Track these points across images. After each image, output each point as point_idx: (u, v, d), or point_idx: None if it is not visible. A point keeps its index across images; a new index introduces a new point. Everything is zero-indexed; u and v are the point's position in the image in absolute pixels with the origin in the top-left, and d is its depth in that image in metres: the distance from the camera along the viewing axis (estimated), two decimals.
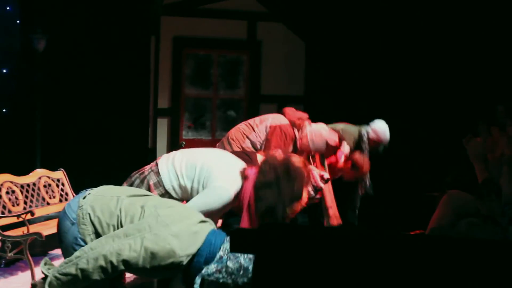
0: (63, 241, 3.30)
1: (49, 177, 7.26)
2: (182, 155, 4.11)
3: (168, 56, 10.67)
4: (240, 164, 4.06)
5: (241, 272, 3.08)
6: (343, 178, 6.79)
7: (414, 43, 9.32)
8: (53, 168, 7.48)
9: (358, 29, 9.96)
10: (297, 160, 3.90)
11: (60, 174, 7.44)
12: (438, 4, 9.04)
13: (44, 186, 7.13)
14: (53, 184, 7.27)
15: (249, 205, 3.84)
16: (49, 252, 7.28)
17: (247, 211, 3.81)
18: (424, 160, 9.06)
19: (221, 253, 3.13)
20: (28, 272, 6.12)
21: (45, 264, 3.19)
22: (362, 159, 6.70)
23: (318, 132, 5.91)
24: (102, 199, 3.27)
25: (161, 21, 10.50)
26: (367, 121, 7.48)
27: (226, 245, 3.14)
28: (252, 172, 3.87)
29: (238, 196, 3.89)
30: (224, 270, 3.09)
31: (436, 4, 9.06)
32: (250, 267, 3.08)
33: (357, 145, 7.05)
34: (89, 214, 3.21)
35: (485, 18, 8.59)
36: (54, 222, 6.95)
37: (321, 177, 4.61)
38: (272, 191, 3.70)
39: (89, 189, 3.43)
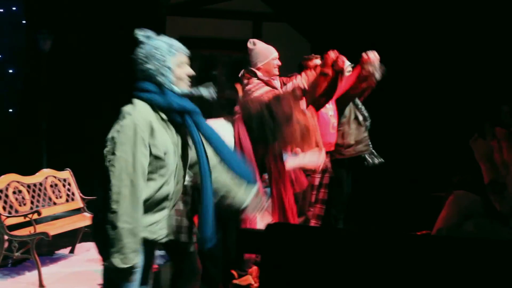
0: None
1: (55, 177, 7.27)
2: None
3: None
4: (223, 120, 4.20)
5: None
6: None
7: (420, 44, 9.31)
8: (60, 168, 7.49)
9: (363, 29, 9.95)
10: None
11: (66, 174, 7.46)
12: (446, 4, 9.03)
13: (51, 186, 7.15)
14: (60, 184, 7.28)
15: (241, 142, 3.95)
16: (56, 252, 7.30)
17: (239, 147, 3.91)
18: (430, 160, 9.05)
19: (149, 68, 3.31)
20: (35, 272, 6.13)
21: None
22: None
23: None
24: None
25: (166, 21, 10.51)
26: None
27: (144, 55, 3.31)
28: (238, 115, 3.98)
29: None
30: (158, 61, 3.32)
31: (443, 5, 9.05)
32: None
33: None
34: None
35: (490, 18, 8.59)
36: (61, 222, 6.98)
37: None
38: (259, 115, 3.79)
39: None
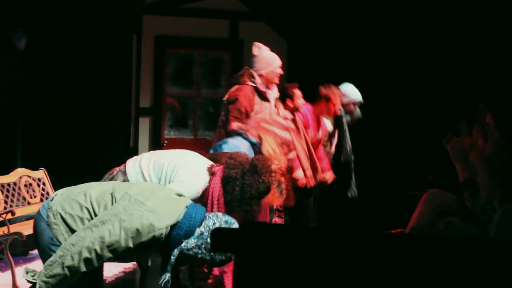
0: (39, 242, 3.30)
1: (30, 177, 7.21)
2: (149, 155, 4.21)
3: (150, 55, 10.64)
4: (207, 161, 4.12)
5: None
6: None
7: (396, 43, 9.36)
8: (34, 168, 7.43)
9: (340, 28, 9.98)
10: (264, 157, 4.00)
11: (41, 173, 7.40)
12: (419, 4, 9.09)
13: (25, 185, 7.08)
14: (34, 184, 7.22)
15: (213, 201, 3.92)
16: (30, 252, 7.25)
17: (210, 206, 3.88)
18: (405, 159, 9.11)
19: (202, 229, 3.14)
20: (9, 272, 6.08)
21: (27, 272, 3.18)
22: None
23: None
24: (70, 197, 3.30)
25: (143, 20, 10.47)
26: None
27: (208, 222, 3.15)
28: (219, 169, 3.94)
29: (205, 192, 3.95)
30: (203, 246, 3.12)
31: (417, 4, 9.10)
32: None
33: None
34: (60, 213, 3.22)
35: (467, 17, 8.65)
36: None
37: (285, 118, 4.83)
38: (238, 184, 3.77)
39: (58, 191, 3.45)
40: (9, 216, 6.30)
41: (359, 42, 9.73)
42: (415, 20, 9.18)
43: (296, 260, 2.44)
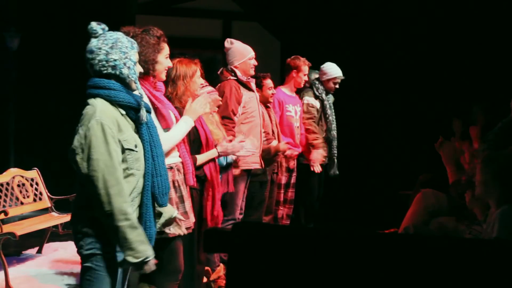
0: None
1: (23, 177, 7.19)
2: None
3: None
4: None
5: None
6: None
7: (390, 42, 9.37)
8: (27, 168, 7.41)
9: (333, 27, 9.99)
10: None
11: (34, 173, 7.38)
12: (415, 4, 9.10)
13: (18, 185, 7.07)
14: (27, 184, 7.20)
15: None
16: (23, 252, 7.23)
17: None
18: (398, 158, 9.13)
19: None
20: (1, 273, 6.05)
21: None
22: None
23: None
24: None
25: (136, 20, 10.46)
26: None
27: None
28: None
29: None
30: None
31: (413, 4, 9.11)
32: None
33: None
34: None
35: (462, 18, 8.67)
36: (28, 221, 6.92)
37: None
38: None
39: None
40: (2, 216, 6.28)
41: (353, 42, 9.74)
42: (410, 21, 9.19)
43: (288, 260, 2.44)
